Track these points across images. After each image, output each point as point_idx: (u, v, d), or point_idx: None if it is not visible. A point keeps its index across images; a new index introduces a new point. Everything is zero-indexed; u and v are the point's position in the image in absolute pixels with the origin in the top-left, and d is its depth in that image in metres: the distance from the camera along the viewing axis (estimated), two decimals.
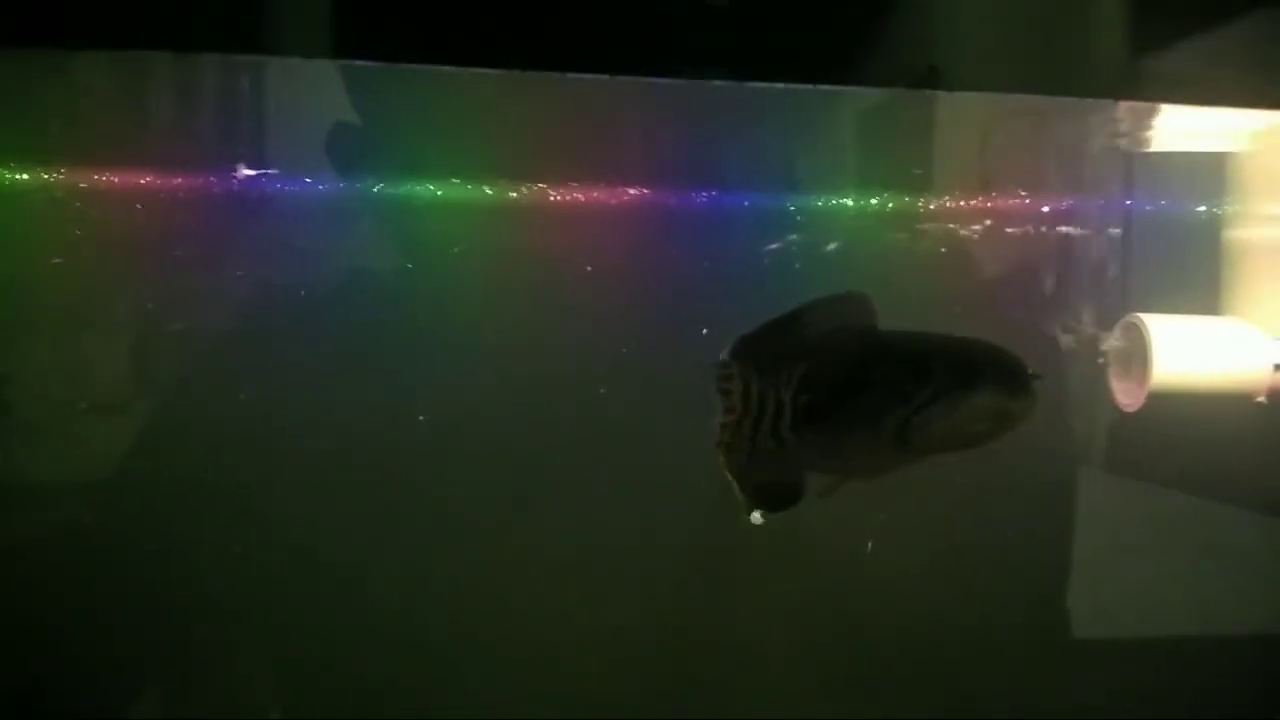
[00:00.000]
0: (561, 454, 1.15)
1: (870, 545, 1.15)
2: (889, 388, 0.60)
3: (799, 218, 1.19)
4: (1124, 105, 1.12)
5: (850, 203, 1.19)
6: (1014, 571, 1.22)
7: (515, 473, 1.15)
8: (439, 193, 1.15)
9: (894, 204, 1.21)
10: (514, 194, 1.15)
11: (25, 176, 1.08)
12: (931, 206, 1.21)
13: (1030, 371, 0.60)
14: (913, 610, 1.19)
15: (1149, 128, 1.18)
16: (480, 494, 1.15)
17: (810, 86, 0.84)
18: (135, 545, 1.11)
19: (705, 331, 1.01)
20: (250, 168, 1.11)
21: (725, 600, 1.19)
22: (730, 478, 0.69)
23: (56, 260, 1.09)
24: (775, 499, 0.68)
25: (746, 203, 1.18)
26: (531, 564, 1.15)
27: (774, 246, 1.18)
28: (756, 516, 0.69)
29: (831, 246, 1.20)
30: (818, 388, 0.64)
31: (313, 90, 1.11)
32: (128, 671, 1.13)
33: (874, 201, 1.20)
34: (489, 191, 1.15)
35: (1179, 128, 1.18)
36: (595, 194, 1.16)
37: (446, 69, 0.79)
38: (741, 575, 1.18)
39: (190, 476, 1.11)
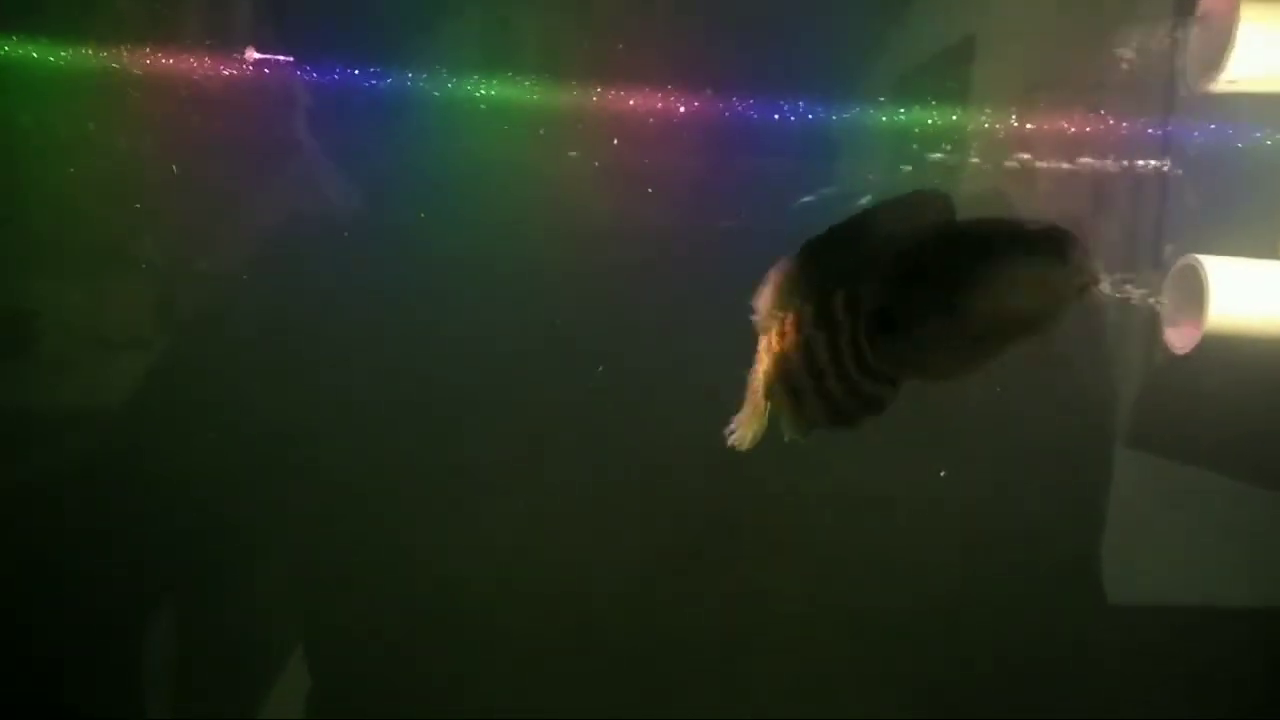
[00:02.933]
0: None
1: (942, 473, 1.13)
2: (946, 273, 0.57)
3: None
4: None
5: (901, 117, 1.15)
6: (1056, 527, 1.19)
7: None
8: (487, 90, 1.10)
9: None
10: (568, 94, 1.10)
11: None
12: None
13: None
14: (947, 571, 1.17)
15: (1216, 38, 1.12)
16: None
17: None
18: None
19: None
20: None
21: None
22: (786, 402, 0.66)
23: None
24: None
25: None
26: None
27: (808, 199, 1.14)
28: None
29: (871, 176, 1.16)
30: (886, 292, 0.61)
31: None
32: (145, 597, 1.14)
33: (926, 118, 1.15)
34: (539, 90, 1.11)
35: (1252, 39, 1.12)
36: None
37: None
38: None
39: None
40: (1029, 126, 1.17)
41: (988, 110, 1.18)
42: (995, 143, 1.18)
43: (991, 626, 1.18)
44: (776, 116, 1.14)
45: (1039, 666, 1.19)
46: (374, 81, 1.10)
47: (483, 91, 1.11)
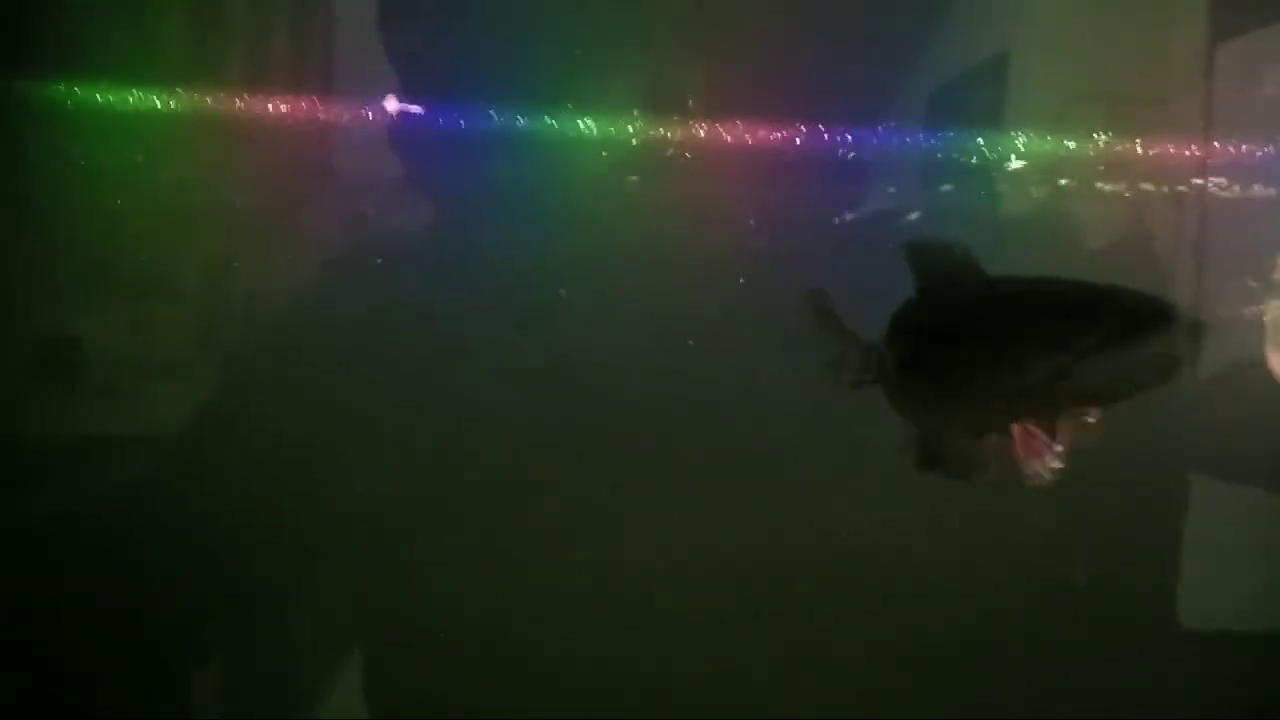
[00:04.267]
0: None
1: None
2: (1039, 333, 0.56)
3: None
4: None
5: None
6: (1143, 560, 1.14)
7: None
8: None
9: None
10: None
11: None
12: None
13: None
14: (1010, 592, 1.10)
15: None
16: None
17: None
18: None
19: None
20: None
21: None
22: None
23: None
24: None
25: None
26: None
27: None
28: None
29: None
30: (922, 335, 0.62)
31: None
32: (191, 627, 1.11)
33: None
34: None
35: None
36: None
37: None
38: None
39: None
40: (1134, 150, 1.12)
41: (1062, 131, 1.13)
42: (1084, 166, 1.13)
43: (1057, 647, 1.12)
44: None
45: (1104, 688, 1.13)
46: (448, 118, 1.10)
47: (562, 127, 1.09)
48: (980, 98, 1.14)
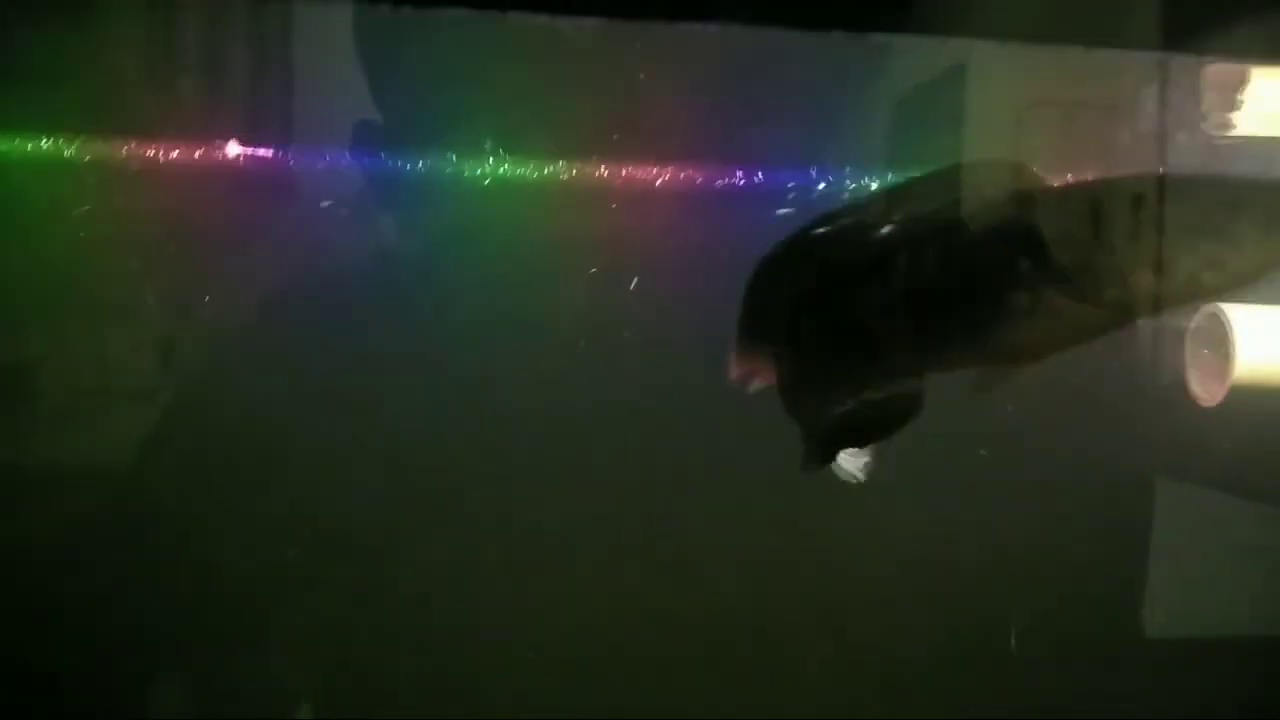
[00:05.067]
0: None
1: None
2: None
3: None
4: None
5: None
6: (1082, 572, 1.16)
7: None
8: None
9: None
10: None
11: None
12: None
13: None
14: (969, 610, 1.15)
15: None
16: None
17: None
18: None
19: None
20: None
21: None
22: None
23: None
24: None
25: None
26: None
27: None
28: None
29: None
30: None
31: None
32: (152, 660, 1.10)
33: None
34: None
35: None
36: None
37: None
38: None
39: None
40: None
41: None
42: None
43: (1019, 661, 1.15)
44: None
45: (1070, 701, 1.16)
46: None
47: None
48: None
